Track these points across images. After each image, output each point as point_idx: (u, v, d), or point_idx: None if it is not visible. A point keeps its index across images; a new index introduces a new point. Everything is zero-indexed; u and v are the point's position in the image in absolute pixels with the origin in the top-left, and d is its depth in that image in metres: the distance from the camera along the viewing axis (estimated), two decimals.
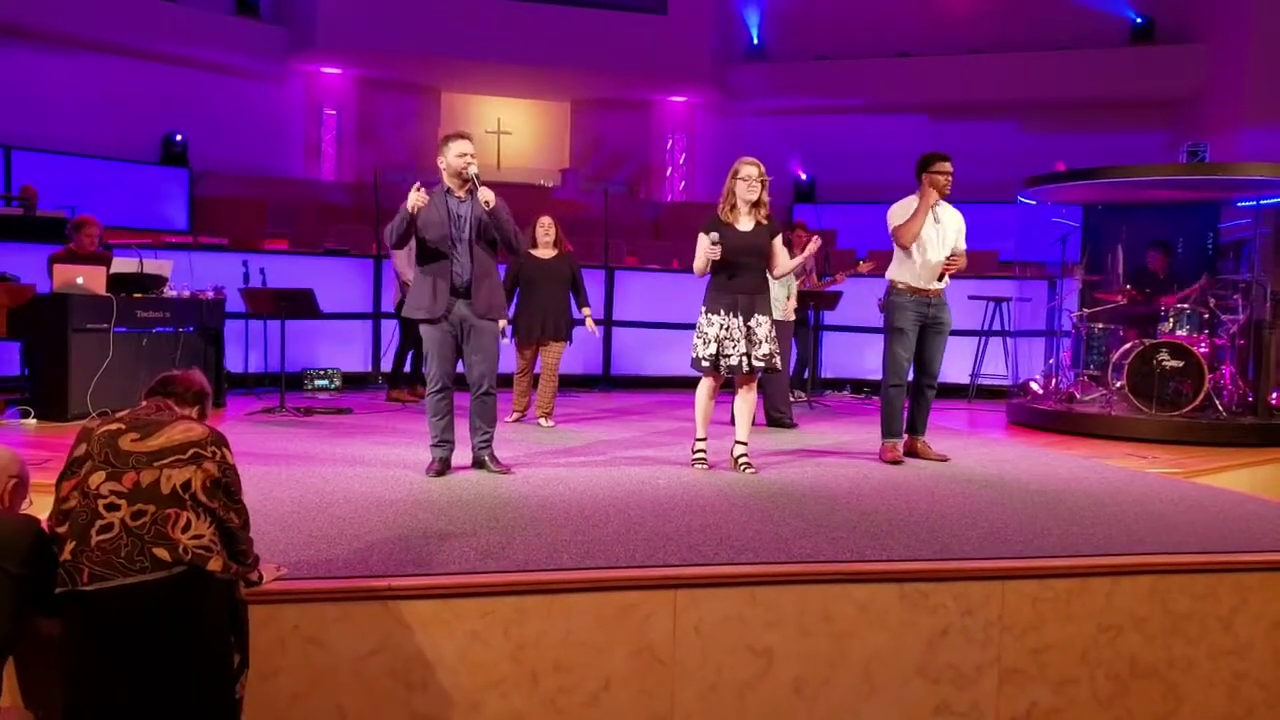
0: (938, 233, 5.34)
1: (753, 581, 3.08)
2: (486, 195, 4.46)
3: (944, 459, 5.40)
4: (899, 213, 5.41)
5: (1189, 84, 12.50)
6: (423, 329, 4.59)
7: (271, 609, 2.75)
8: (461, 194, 4.57)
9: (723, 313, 4.83)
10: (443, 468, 4.61)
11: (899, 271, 5.40)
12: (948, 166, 5.33)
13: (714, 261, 4.79)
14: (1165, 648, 3.30)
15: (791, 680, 3.08)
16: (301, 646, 2.77)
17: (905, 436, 5.50)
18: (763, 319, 4.86)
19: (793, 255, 6.98)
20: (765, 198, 4.89)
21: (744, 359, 4.80)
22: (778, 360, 4.93)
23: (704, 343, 4.86)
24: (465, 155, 4.51)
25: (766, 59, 14.41)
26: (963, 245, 5.41)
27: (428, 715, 2.85)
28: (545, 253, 6.58)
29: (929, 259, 5.32)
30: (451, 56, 13.10)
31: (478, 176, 4.54)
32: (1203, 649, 3.33)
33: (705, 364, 4.86)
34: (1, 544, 2.38)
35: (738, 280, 4.83)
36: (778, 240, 4.96)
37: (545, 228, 6.56)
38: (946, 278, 5.38)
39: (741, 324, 4.82)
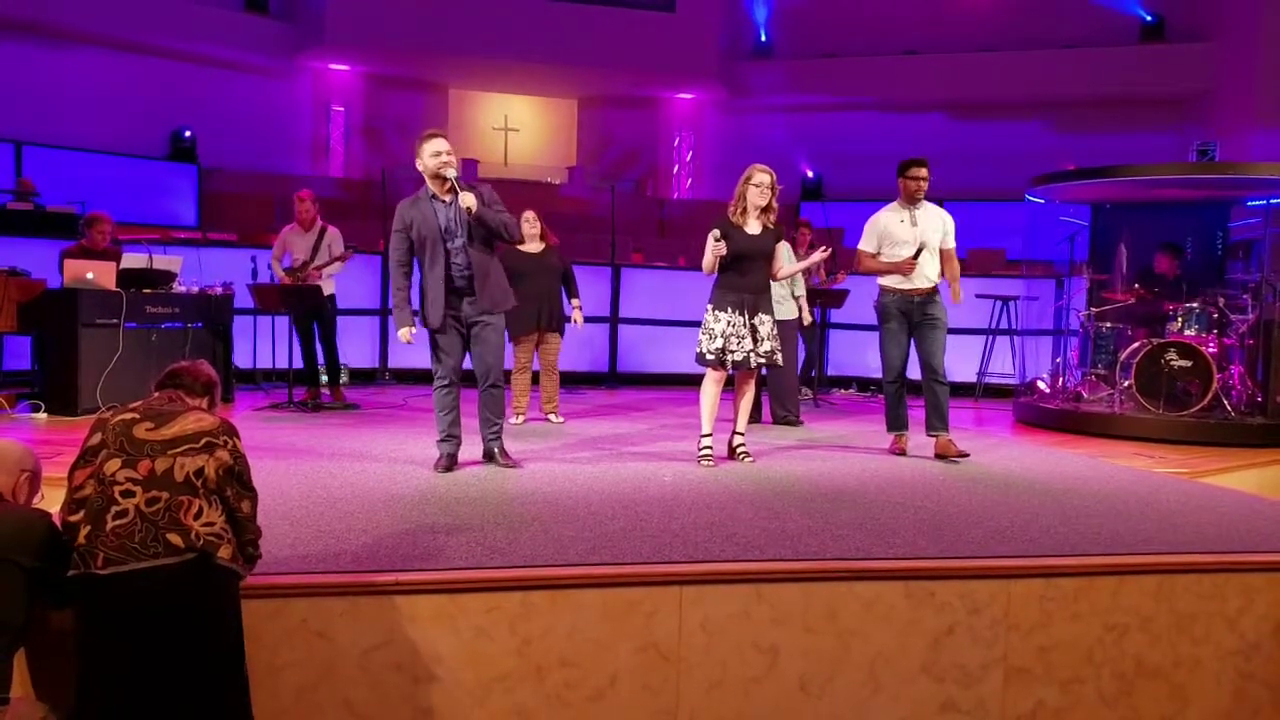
0: (912, 234, 5.40)
1: (758, 579, 3.09)
2: (468, 201, 4.42)
3: (964, 455, 5.33)
4: (867, 233, 5.52)
5: (1199, 83, 12.43)
6: (430, 332, 4.61)
7: (279, 602, 2.77)
8: (446, 197, 4.53)
9: (730, 310, 4.99)
10: (450, 463, 4.62)
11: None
12: (922, 172, 5.43)
13: (722, 261, 4.94)
14: (1171, 647, 3.30)
15: (797, 677, 3.08)
16: (309, 640, 2.78)
17: (929, 436, 5.44)
18: (765, 317, 5.07)
19: (795, 251, 6.99)
20: (775, 204, 5.05)
21: (750, 355, 4.97)
22: (779, 357, 5.13)
23: (710, 338, 5.00)
24: (440, 155, 4.44)
25: (774, 56, 14.38)
26: (951, 243, 5.49)
27: (433, 709, 2.87)
28: (532, 247, 6.52)
29: (898, 258, 5.38)
30: (459, 53, 13.09)
31: (458, 179, 4.48)
32: (1209, 649, 3.33)
33: (711, 358, 4.99)
34: (14, 537, 2.41)
35: (744, 279, 5.02)
36: (781, 244, 5.22)
37: (530, 222, 6.51)
38: (934, 275, 5.42)
39: (746, 321, 5.01)
